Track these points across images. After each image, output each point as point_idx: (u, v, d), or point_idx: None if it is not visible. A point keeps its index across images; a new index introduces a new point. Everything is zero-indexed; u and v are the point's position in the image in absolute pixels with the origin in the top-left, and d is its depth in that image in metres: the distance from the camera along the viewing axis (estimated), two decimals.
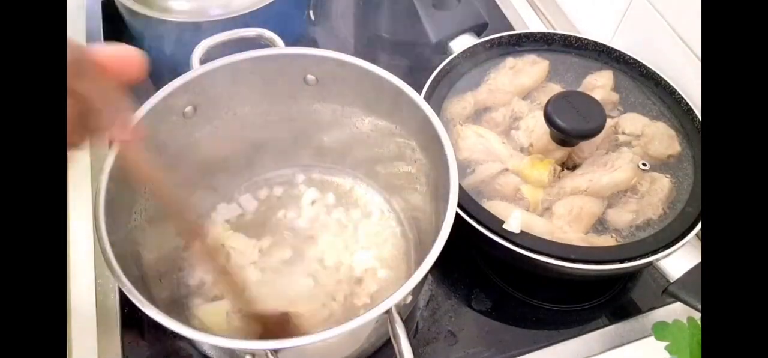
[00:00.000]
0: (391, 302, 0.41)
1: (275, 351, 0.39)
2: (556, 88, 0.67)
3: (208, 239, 0.57)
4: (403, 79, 0.54)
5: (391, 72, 0.54)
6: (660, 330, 0.53)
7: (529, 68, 0.68)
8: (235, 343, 0.40)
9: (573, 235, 0.55)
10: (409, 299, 0.44)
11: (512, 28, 0.88)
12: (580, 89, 0.67)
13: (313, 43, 0.86)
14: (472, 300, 0.61)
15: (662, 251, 0.53)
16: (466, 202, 0.55)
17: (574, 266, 0.52)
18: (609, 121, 0.61)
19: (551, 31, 0.72)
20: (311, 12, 0.84)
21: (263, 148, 0.63)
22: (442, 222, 0.45)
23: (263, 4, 0.71)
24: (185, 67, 0.54)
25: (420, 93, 0.56)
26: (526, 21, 0.91)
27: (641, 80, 0.68)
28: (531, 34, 0.71)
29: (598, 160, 0.60)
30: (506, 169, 0.59)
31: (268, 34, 0.59)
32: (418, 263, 0.43)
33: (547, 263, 0.52)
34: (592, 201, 0.57)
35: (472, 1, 0.74)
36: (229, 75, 0.55)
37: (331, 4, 0.92)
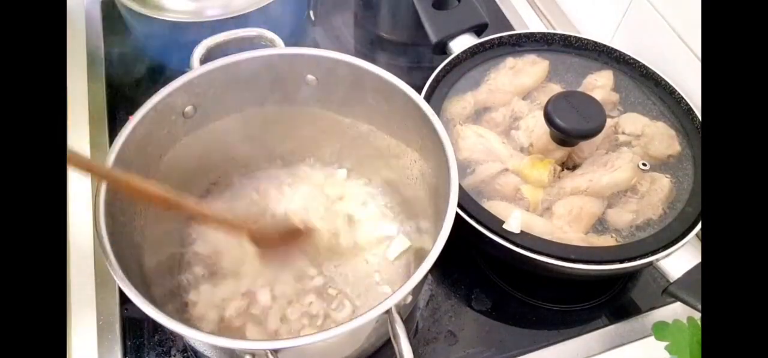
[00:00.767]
0: (391, 302, 0.41)
1: (275, 351, 0.39)
2: (556, 88, 0.67)
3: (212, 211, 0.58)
4: (403, 79, 0.54)
5: (391, 72, 0.54)
6: (660, 330, 0.53)
7: (529, 68, 0.68)
8: (235, 343, 0.40)
9: (573, 235, 0.55)
10: (409, 299, 0.44)
11: (512, 28, 0.88)
12: (580, 89, 0.67)
13: (313, 43, 0.86)
14: (472, 300, 0.61)
15: (662, 251, 0.53)
16: (466, 202, 0.55)
17: (574, 266, 0.52)
18: (609, 121, 0.61)
19: (551, 31, 0.72)
20: (311, 12, 0.84)
21: (263, 148, 0.63)
22: (442, 222, 0.45)
23: (263, 4, 0.71)
24: (185, 67, 0.54)
25: (420, 93, 0.56)
26: (526, 21, 0.91)
27: (641, 80, 0.68)
28: (531, 34, 0.71)
29: (598, 160, 0.60)
30: (506, 169, 0.59)
31: (268, 34, 0.59)
32: (418, 263, 0.43)
33: (547, 263, 0.52)
34: (592, 201, 0.57)
35: (472, 1, 0.74)
36: (229, 75, 0.55)
37: (331, 4, 0.92)
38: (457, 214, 0.47)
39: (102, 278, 0.59)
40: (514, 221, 0.53)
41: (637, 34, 0.74)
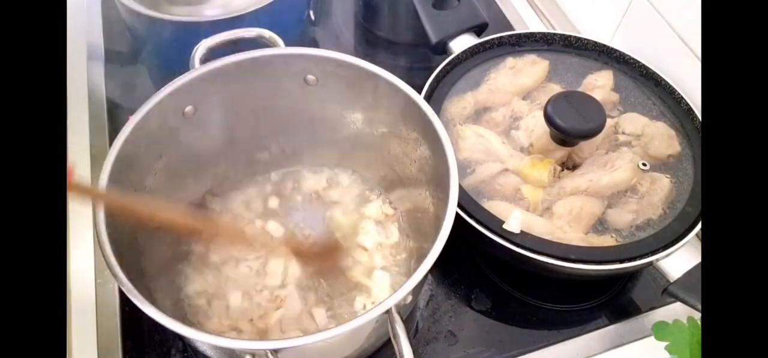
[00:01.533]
0: (391, 302, 0.41)
1: (275, 351, 0.39)
2: (556, 88, 0.67)
3: (221, 225, 0.58)
4: (403, 79, 0.54)
5: (391, 72, 0.54)
6: (660, 330, 0.53)
7: (529, 68, 0.68)
8: (235, 343, 0.40)
9: (573, 235, 0.55)
10: (409, 299, 0.44)
11: (512, 28, 0.88)
12: (580, 89, 0.67)
13: (313, 43, 0.86)
14: (472, 300, 0.61)
15: (662, 251, 0.53)
16: (466, 202, 0.55)
17: (574, 266, 0.52)
18: (609, 121, 0.61)
19: (551, 31, 0.72)
20: (311, 12, 0.84)
21: (263, 148, 0.63)
22: (442, 222, 0.45)
23: (263, 4, 0.71)
24: (185, 67, 0.54)
25: (420, 93, 0.56)
26: (526, 21, 0.91)
27: (641, 80, 0.68)
28: (531, 34, 0.71)
29: (598, 160, 0.60)
30: (506, 169, 0.59)
31: (268, 34, 0.58)
32: (418, 263, 0.43)
33: (547, 263, 0.52)
34: (592, 201, 0.57)
35: (472, 1, 0.74)
36: (230, 75, 0.55)
37: (331, 4, 0.92)
38: (457, 214, 0.47)
39: (102, 278, 0.59)
40: (514, 221, 0.53)
41: (637, 34, 0.74)
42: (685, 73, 0.66)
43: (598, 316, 0.61)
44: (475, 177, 0.59)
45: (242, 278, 0.58)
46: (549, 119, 0.56)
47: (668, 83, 0.66)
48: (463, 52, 0.68)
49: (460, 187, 0.53)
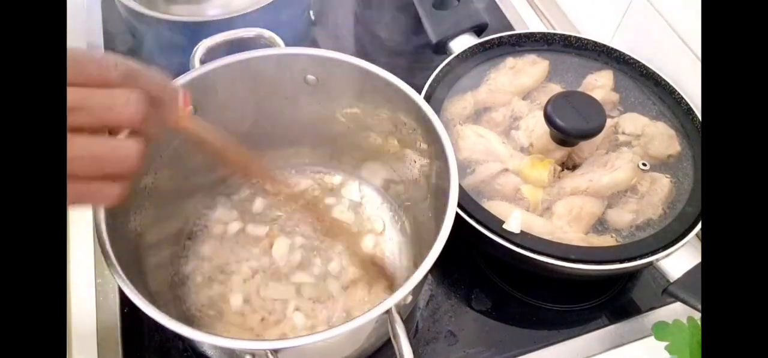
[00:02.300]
0: (391, 302, 0.41)
1: (275, 351, 0.39)
2: (556, 88, 0.67)
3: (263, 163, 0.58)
4: (403, 79, 0.54)
5: (391, 72, 0.54)
6: (660, 330, 0.53)
7: (529, 68, 0.68)
8: (235, 343, 0.40)
9: (573, 235, 0.55)
10: (409, 299, 0.44)
11: (512, 28, 0.88)
12: (580, 89, 0.67)
13: (313, 43, 0.86)
14: (472, 300, 0.61)
15: (662, 251, 0.53)
16: (466, 202, 0.55)
17: (574, 266, 0.52)
18: (609, 121, 0.61)
19: (551, 31, 0.72)
20: (311, 12, 0.84)
21: (263, 148, 0.63)
22: (442, 222, 0.45)
23: (263, 4, 0.71)
24: (185, 67, 0.54)
25: (420, 93, 0.55)
26: (526, 21, 0.91)
27: (641, 80, 0.68)
28: (531, 34, 0.71)
29: (598, 160, 0.60)
30: (506, 169, 0.59)
31: (268, 34, 0.59)
32: (418, 263, 0.43)
33: (547, 263, 0.52)
34: (592, 201, 0.57)
35: (472, 1, 0.74)
36: (230, 75, 0.55)
37: (331, 4, 0.92)
38: (457, 214, 0.47)
39: (102, 278, 0.59)
40: (514, 221, 0.53)
41: (637, 34, 0.74)
42: (685, 73, 0.66)
43: (598, 316, 0.61)
44: (475, 177, 0.59)
45: (243, 277, 0.58)
46: (549, 119, 0.56)
47: (668, 83, 0.66)
48: (463, 52, 0.68)
49: (460, 187, 0.53)
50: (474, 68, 0.68)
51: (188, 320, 0.55)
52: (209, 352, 0.48)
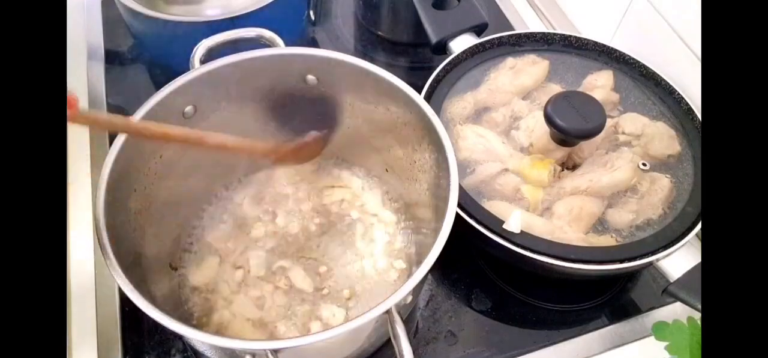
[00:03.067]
0: (391, 302, 0.41)
1: (275, 351, 0.39)
2: (556, 88, 0.67)
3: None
4: (403, 79, 0.54)
5: (391, 72, 0.54)
6: (660, 330, 0.53)
7: (529, 68, 0.68)
8: (235, 343, 0.40)
9: (573, 235, 0.55)
10: (409, 299, 0.44)
11: (512, 28, 0.88)
12: (580, 89, 0.67)
13: (313, 43, 0.86)
14: (472, 300, 0.61)
15: (662, 251, 0.53)
16: (466, 202, 0.55)
17: (574, 266, 0.52)
18: (609, 121, 0.61)
19: (551, 31, 0.72)
20: (311, 12, 0.84)
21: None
22: (442, 222, 0.45)
23: (263, 4, 0.71)
24: (185, 67, 0.54)
25: (420, 93, 0.55)
26: (526, 21, 0.91)
27: (641, 80, 0.68)
28: (531, 34, 0.71)
29: (598, 160, 0.60)
30: (506, 169, 0.59)
31: (268, 34, 0.58)
32: (418, 263, 0.43)
33: (547, 263, 0.52)
34: (592, 201, 0.57)
35: (472, 1, 0.74)
36: (229, 75, 0.55)
37: (331, 4, 0.92)
38: (457, 214, 0.47)
39: (102, 278, 0.59)
40: (514, 221, 0.53)
41: (637, 34, 0.74)
42: (685, 73, 0.66)
43: (598, 316, 0.61)
44: (475, 177, 0.59)
45: (244, 276, 0.58)
46: (549, 119, 0.56)
47: (668, 83, 0.66)
48: (463, 52, 0.68)
49: (460, 187, 0.53)
50: (474, 68, 0.68)
51: (188, 320, 0.55)
52: (209, 352, 0.48)
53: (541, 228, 0.55)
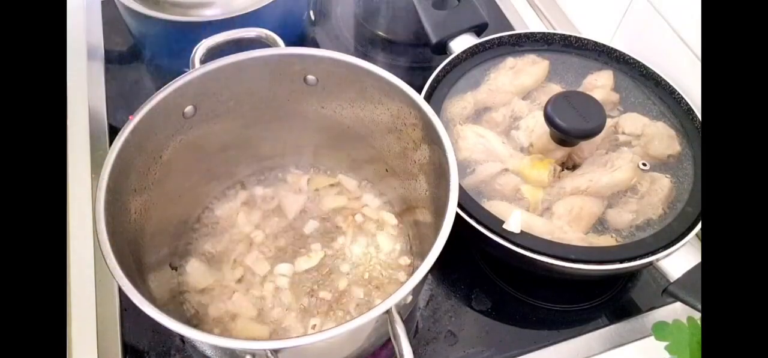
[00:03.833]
0: (391, 302, 0.41)
1: (275, 351, 0.39)
2: (556, 88, 0.67)
3: None
4: (403, 79, 0.54)
5: (391, 72, 0.54)
6: (660, 330, 0.53)
7: (529, 68, 0.68)
8: (235, 343, 0.40)
9: (573, 235, 0.55)
10: (409, 299, 0.44)
11: (512, 28, 0.88)
12: (580, 89, 0.67)
13: (313, 43, 0.86)
14: (472, 300, 0.61)
15: (662, 251, 0.53)
16: (466, 202, 0.55)
17: (574, 266, 0.52)
18: (609, 121, 0.61)
19: (551, 31, 0.72)
20: (311, 12, 0.84)
21: (263, 148, 0.63)
22: (442, 222, 0.45)
23: (263, 4, 0.71)
24: (185, 67, 0.54)
25: (420, 93, 0.55)
26: (526, 21, 0.91)
27: (641, 80, 0.68)
28: (531, 34, 0.71)
29: (598, 160, 0.60)
30: (506, 169, 0.59)
31: (268, 34, 0.58)
32: (418, 263, 0.43)
33: (547, 263, 0.52)
34: (592, 201, 0.57)
35: (472, 1, 0.74)
36: (229, 75, 0.55)
37: (331, 4, 0.92)
38: (457, 214, 0.47)
39: (102, 278, 0.59)
40: (514, 221, 0.53)
41: (637, 34, 0.74)
42: (685, 73, 0.66)
43: (598, 316, 0.61)
44: (475, 177, 0.59)
45: (244, 276, 0.58)
46: (549, 119, 0.56)
47: (668, 83, 0.66)
48: (463, 52, 0.68)
49: (460, 187, 0.53)
50: (474, 68, 0.68)
51: (188, 320, 0.55)
52: (208, 351, 0.48)
53: (541, 228, 0.55)
